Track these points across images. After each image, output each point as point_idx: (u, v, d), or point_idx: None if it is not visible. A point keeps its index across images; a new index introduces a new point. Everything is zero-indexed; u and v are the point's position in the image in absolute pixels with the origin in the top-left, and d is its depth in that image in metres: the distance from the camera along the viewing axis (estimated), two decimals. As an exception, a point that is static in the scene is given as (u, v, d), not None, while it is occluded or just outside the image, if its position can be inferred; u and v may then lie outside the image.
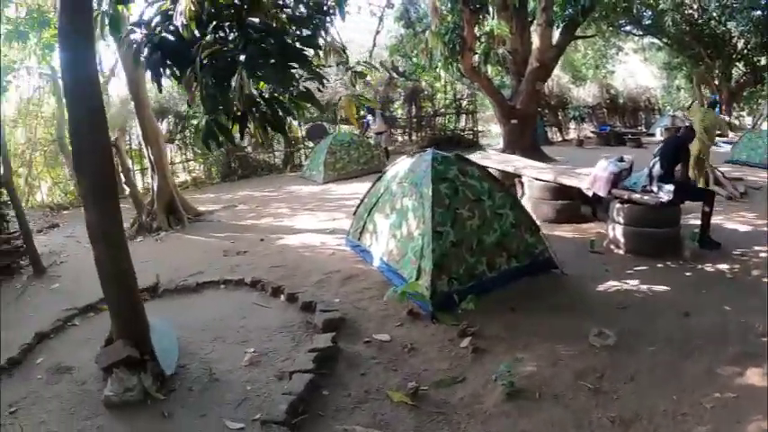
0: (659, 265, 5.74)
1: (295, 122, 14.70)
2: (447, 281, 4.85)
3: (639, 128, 22.19)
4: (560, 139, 20.87)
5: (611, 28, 21.60)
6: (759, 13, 17.72)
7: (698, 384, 3.50)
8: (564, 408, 3.36)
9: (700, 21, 20.27)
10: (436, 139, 18.39)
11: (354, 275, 5.93)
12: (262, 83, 3.85)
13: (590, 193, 7.05)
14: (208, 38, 3.29)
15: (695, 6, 19.81)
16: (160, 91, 4.32)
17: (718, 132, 10.09)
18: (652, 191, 6.20)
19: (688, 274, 5.53)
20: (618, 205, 6.34)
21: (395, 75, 19.18)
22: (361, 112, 14.86)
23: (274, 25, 3.92)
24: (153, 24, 3.69)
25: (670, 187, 6.00)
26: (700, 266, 5.68)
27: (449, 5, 13.50)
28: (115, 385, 3.80)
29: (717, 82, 21.75)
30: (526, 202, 7.72)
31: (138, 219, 9.56)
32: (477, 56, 13.22)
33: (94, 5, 4.09)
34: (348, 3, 4.62)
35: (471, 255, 5.08)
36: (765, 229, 6.80)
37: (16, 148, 13.90)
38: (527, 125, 14.37)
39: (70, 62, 3.69)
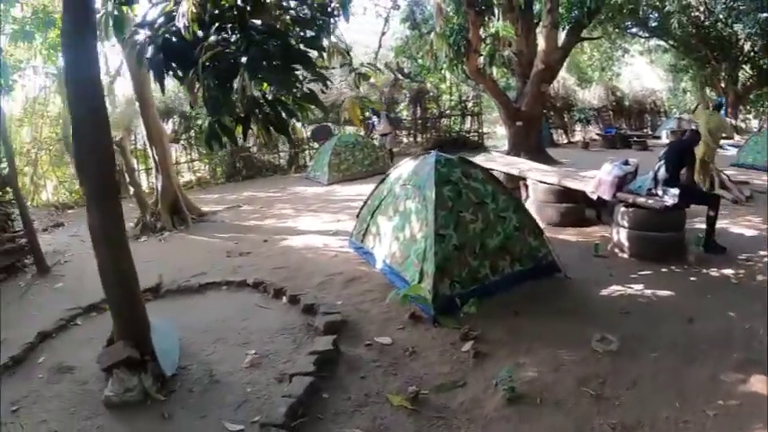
0: (663, 270, 5.71)
1: (298, 124, 14.69)
2: (449, 284, 4.83)
3: (645, 130, 22.17)
4: (566, 141, 20.84)
5: (617, 30, 21.50)
6: (766, 15, 17.59)
7: (701, 391, 3.47)
8: (565, 414, 3.34)
9: (706, 23, 20.17)
10: (441, 141, 18.39)
11: (357, 278, 5.92)
12: (265, 84, 3.84)
13: (594, 197, 7.02)
14: (210, 39, 3.28)
15: (702, 8, 19.69)
16: (163, 92, 4.33)
17: (724, 135, 10.02)
18: (657, 194, 6.17)
19: (693, 278, 5.50)
20: (622, 209, 6.30)
21: (400, 76, 19.20)
22: (366, 114, 14.87)
23: (278, 27, 3.92)
24: (156, 25, 3.68)
25: (675, 191, 5.96)
26: (704, 271, 5.64)
27: (454, 7, 13.48)
28: (116, 385, 3.81)
29: (723, 84, 21.64)
30: (530, 205, 7.69)
31: (142, 219, 9.58)
32: (482, 57, 13.19)
33: (98, 6, 4.10)
34: (352, 4, 4.60)
35: (474, 258, 5.06)
36: (770, 233, 6.75)
37: (22, 146, 13.95)
38: (532, 127, 14.35)
39: (72, 63, 3.70)
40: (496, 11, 13.32)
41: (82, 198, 11.78)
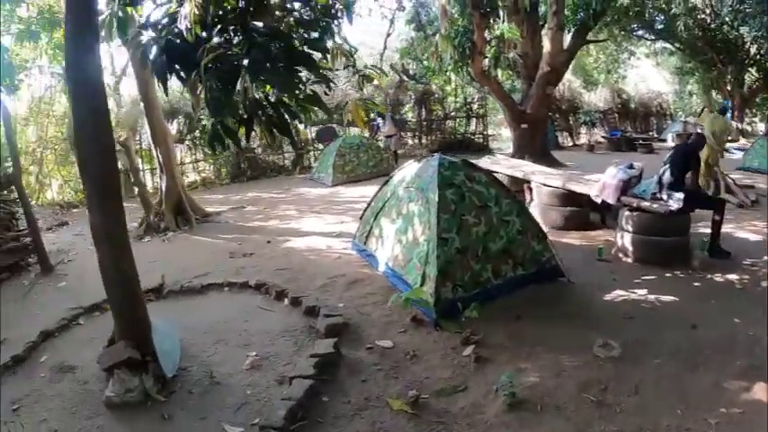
0: (667, 275, 5.67)
1: (301, 126, 14.70)
2: (451, 288, 4.81)
3: (651, 133, 22.05)
4: (571, 143, 20.79)
5: (623, 32, 21.48)
6: (772, 18, 17.53)
7: (703, 399, 3.44)
8: (566, 420, 3.31)
9: (712, 26, 20.11)
10: (446, 143, 18.39)
11: (359, 280, 5.92)
12: (268, 86, 3.84)
13: (599, 201, 6.99)
14: (212, 41, 3.29)
15: (708, 11, 19.63)
16: (166, 94, 4.34)
17: (730, 138, 9.96)
18: (662, 199, 6.14)
19: (697, 284, 5.46)
20: (627, 213, 6.27)
21: (405, 77, 19.19)
22: (372, 115, 14.86)
23: (281, 28, 3.92)
24: (159, 27, 3.69)
25: (680, 195, 5.93)
26: (709, 276, 5.60)
27: (459, 9, 13.47)
28: (116, 386, 3.82)
29: (729, 87, 21.55)
30: (534, 208, 7.68)
31: (146, 219, 9.60)
32: (487, 60, 13.18)
33: (103, 8, 4.11)
34: (358, 5, 4.60)
35: (477, 262, 5.04)
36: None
37: (27, 146, 14.03)
38: (537, 130, 14.32)
39: (74, 64, 3.70)
40: (501, 13, 13.32)
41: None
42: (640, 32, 22.92)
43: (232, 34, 3.49)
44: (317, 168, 14.47)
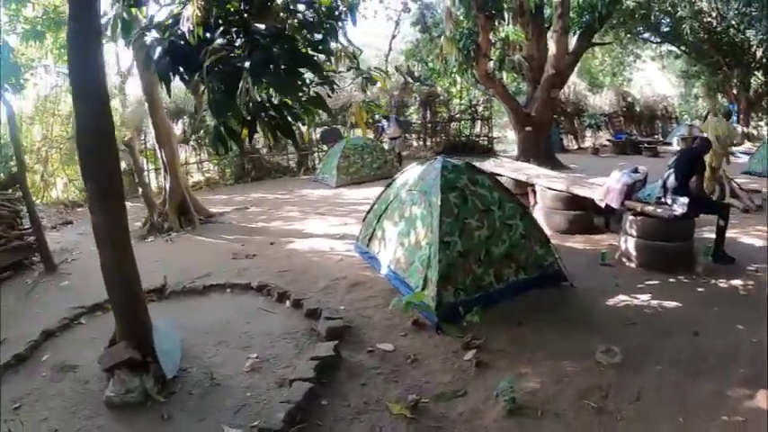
0: (671, 280, 5.64)
1: (303, 128, 14.71)
2: (453, 292, 4.80)
3: (656, 137, 21.96)
4: (576, 146, 20.71)
5: (628, 35, 21.40)
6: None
7: (705, 407, 3.42)
8: (565, 427, 3.30)
9: (718, 29, 20.00)
10: (451, 145, 18.36)
11: (361, 282, 5.91)
12: (270, 88, 3.84)
13: (603, 205, 6.96)
14: (215, 43, 3.29)
15: (714, 14, 19.54)
16: (169, 95, 4.34)
17: (735, 142, 9.90)
18: (666, 203, 6.11)
19: (700, 289, 5.42)
20: (630, 217, 6.24)
21: (410, 79, 19.18)
22: (376, 117, 14.85)
23: (285, 30, 3.92)
24: (163, 28, 3.69)
25: (684, 200, 5.90)
26: (712, 282, 5.57)
27: (464, 11, 13.44)
28: (117, 386, 3.83)
29: (735, 91, 21.43)
30: (538, 212, 7.66)
31: (149, 219, 9.62)
32: (491, 62, 13.15)
33: (108, 9, 4.12)
34: (364, 6, 4.60)
35: (479, 266, 5.02)
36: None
37: (33, 144, 14.10)
38: (542, 132, 14.29)
39: (76, 65, 3.71)
40: (507, 15, 13.29)
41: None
42: (646, 35, 22.82)
43: (234, 36, 3.49)
44: (321, 169, 14.48)
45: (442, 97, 19.89)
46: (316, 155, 17.19)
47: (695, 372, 3.83)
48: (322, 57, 4.22)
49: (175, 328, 4.71)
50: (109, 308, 5.14)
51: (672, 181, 6.11)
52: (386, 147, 14.98)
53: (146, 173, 12.94)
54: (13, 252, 7.47)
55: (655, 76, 30.20)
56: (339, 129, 17.12)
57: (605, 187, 6.85)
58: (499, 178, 6.50)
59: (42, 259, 7.52)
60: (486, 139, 19.55)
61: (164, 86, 3.88)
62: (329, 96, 4.57)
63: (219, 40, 3.45)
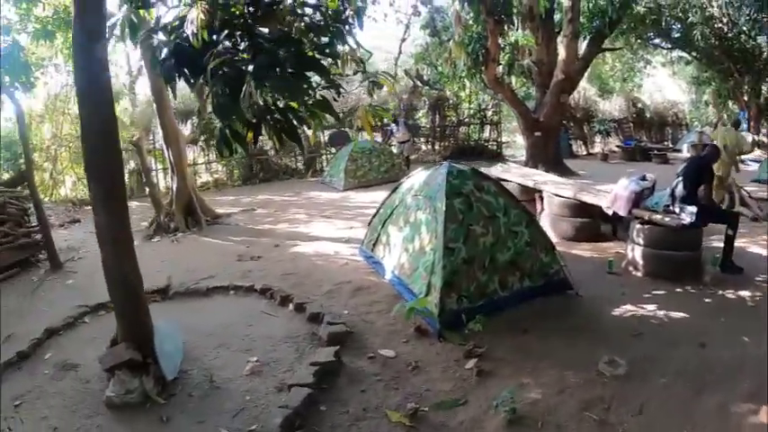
0: (678, 290, 5.56)
1: (309, 131, 14.72)
2: (456, 299, 4.76)
3: (666, 143, 21.78)
4: (585, 152, 20.61)
5: (639, 41, 21.23)
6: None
7: (709, 420, 3.36)
8: (566, 438, 3.26)
9: (729, 35, 19.79)
10: (459, 149, 18.32)
11: (365, 287, 5.88)
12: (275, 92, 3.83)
13: (610, 212, 6.90)
14: (220, 46, 3.28)
15: (725, 20, 19.34)
16: (174, 96, 4.35)
17: (745, 150, 9.79)
18: (674, 212, 6.04)
19: (707, 300, 5.34)
20: (638, 226, 6.17)
21: (419, 83, 19.16)
22: (385, 121, 14.84)
23: (292, 33, 3.91)
24: (169, 29, 3.70)
25: (693, 209, 5.83)
26: (720, 292, 5.48)
27: (473, 15, 13.41)
28: (117, 386, 3.84)
29: (746, 98, 21.23)
30: (545, 219, 7.61)
31: (156, 219, 9.65)
32: (500, 67, 13.10)
33: (115, 10, 4.13)
34: (374, 9, 4.58)
35: (483, 273, 4.98)
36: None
37: (42, 143, 14.21)
38: (550, 138, 14.22)
39: (83, 68, 3.72)
40: (516, 20, 13.24)
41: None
42: (657, 41, 22.63)
43: (239, 40, 3.49)
44: (328, 172, 14.48)
45: (451, 101, 19.86)
46: (324, 157, 17.20)
47: (701, 384, 3.77)
48: (329, 60, 4.20)
49: (177, 329, 4.71)
50: (112, 307, 5.17)
51: (680, 189, 6.04)
52: (395, 150, 14.96)
53: (153, 173, 12.99)
54: (20, 249, 7.53)
55: (665, 83, 29.99)
56: (347, 131, 17.13)
57: (613, 195, 6.79)
58: (506, 184, 6.46)
59: (48, 257, 7.57)
60: (494, 143, 19.48)
61: (169, 88, 3.89)
62: (336, 100, 4.56)
63: (224, 44, 3.44)
